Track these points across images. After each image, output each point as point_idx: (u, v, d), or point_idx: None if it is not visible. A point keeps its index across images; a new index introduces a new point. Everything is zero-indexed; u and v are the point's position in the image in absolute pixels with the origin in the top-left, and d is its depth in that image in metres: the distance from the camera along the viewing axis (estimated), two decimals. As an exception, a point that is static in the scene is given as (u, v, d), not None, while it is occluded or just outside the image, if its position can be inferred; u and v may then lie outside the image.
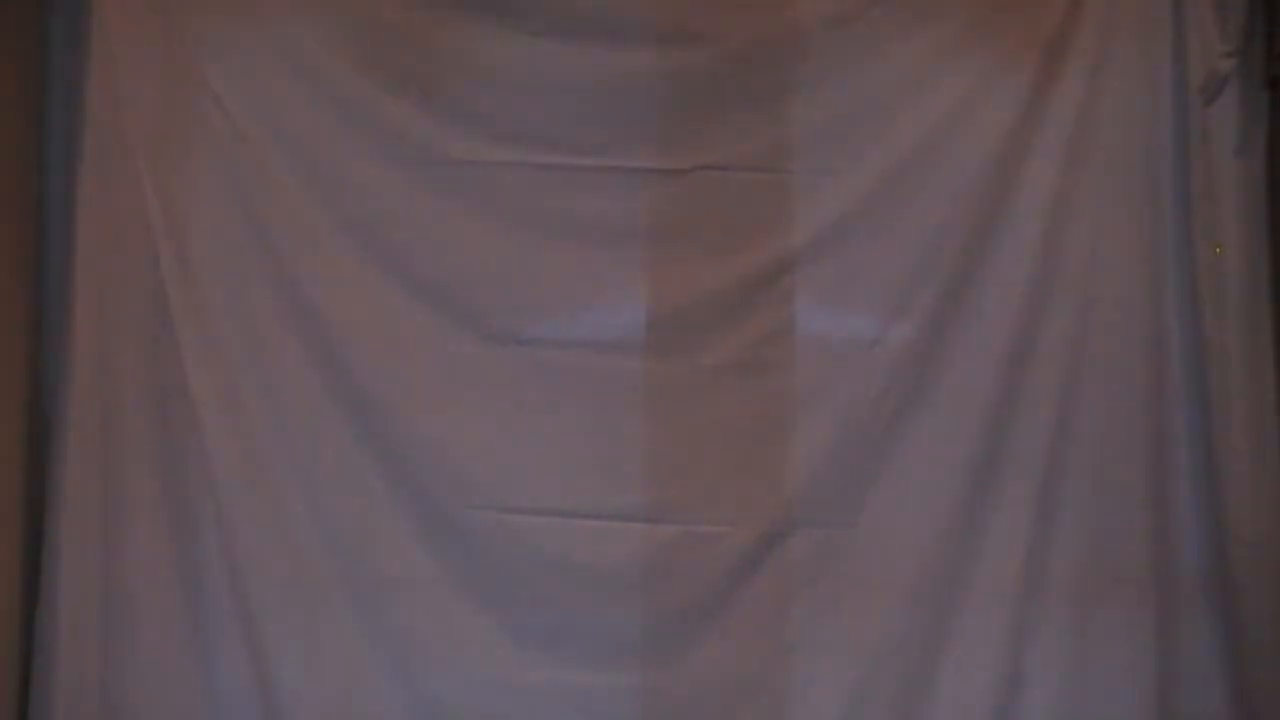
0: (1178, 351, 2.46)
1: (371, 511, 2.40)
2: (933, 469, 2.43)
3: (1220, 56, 2.43)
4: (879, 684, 2.42)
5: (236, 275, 2.39)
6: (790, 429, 2.45)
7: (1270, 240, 2.46)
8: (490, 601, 2.41)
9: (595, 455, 2.42)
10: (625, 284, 2.45)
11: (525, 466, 2.42)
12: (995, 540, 2.44)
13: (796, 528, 2.43)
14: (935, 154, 2.45)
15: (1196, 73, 2.44)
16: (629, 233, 2.44)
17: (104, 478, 2.34)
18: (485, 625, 2.41)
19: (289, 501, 2.38)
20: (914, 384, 2.44)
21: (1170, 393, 2.46)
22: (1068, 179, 2.45)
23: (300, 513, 2.38)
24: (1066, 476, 2.44)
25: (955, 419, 2.44)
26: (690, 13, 2.44)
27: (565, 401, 2.43)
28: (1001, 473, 2.44)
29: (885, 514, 2.44)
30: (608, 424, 2.43)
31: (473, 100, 2.43)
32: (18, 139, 2.37)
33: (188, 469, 2.35)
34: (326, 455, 2.40)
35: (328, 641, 2.38)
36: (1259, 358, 2.45)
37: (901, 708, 2.42)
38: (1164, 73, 2.47)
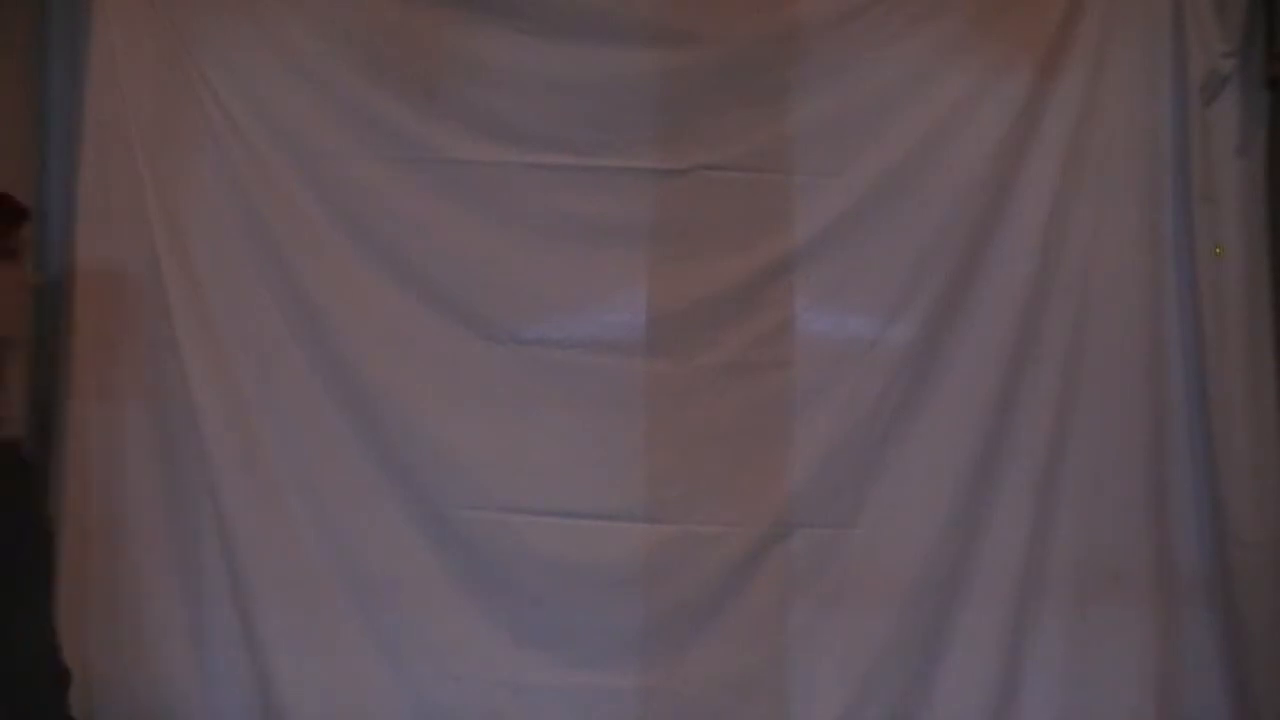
0: (1178, 351, 2.46)
1: (371, 511, 2.40)
2: (932, 469, 2.43)
3: (1220, 56, 2.43)
4: (878, 683, 2.42)
5: (236, 274, 2.40)
6: (790, 429, 2.45)
7: (1270, 240, 2.46)
8: (490, 601, 2.41)
9: (595, 455, 2.42)
10: (626, 284, 2.45)
11: (525, 466, 2.42)
12: (994, 540, 2.44)
13: (796, 528, 2.44)
14: (935, 154, 2.45)
15: (1196, 73, 2.43)
16: (629, 233, 2.44)
17: (104, 478, 2.34)
18: (485, 625, 2.41)
19: (289, 502, 2.38)
20: (914, 384, 2.44)
21: (1170, 393, 2.46)
22: (1068, 179, 2.45)
23: (300, 513, 2.38)
24: (1066, 476, 2.44)
25: (955, 419, 2.44)
26: (690, 13, 2.44)
27: (565, 401, 2.43)
28: (1001, 473, 2.44)
29: (885, 514, 2.44)
30: (608, 424, 2.43)
31: (473, 100, 2.43)
32: (18, 139, 2.37)
33: (188, 469, 2.35)
34: (326, 454, 2.40)
35: (328, 641, 2.38)
36: (1259, 358, 2.44)
37: (901, 707, 2.42)
38: (1164, 73, 2.47)
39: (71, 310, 2.34)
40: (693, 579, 2.42)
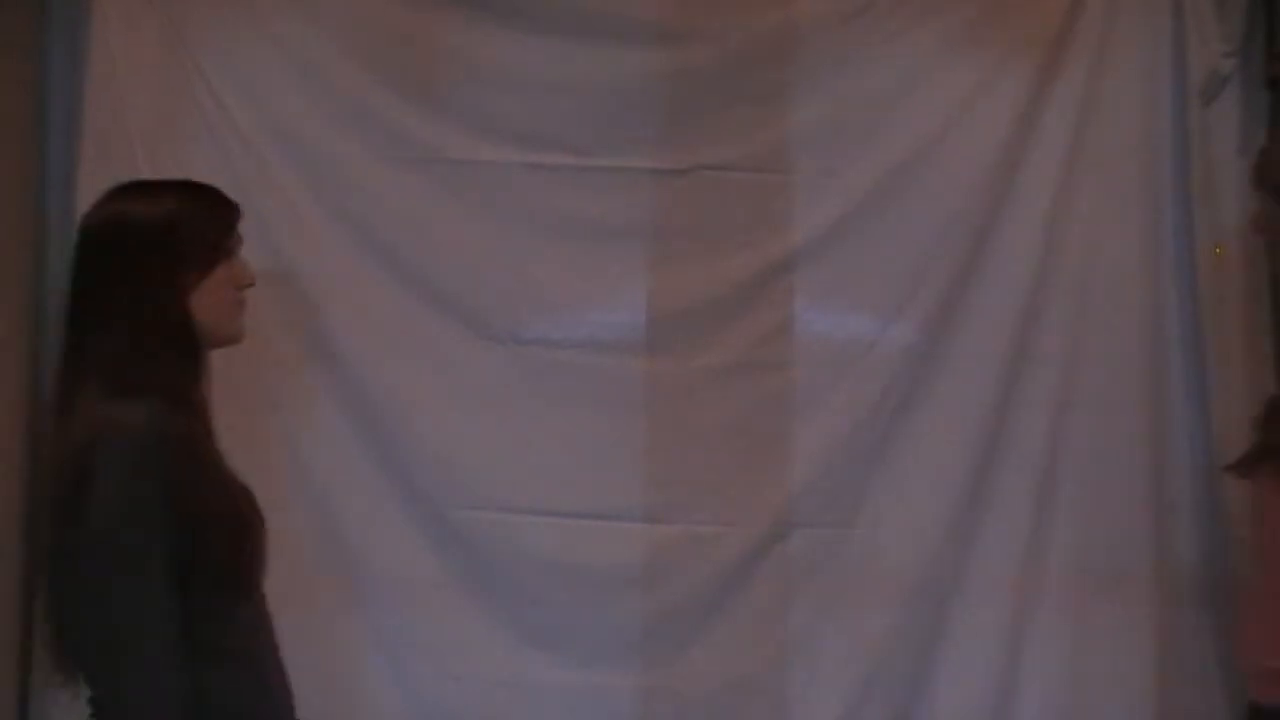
0: (1178, 351, 2.46)
1: (371, 511, 2.40)
2: (932, 469, 2.43)
3: (1220, 56, 2.43)
4: (878, 684, 2.42)
5: (236, 275, 2.39)
6: (790, 429, 2.45)
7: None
8: (490, 601, 2.41)
9: (595, 455, 2.42)
10: (625, 284, 2.45)
11: (525, 466, 2.42)
12: (994, 540, 2.44)
13: (796, 528, 2.44)
14: (935, 154, 2.45)
15: (1196, 73, 2.43)
16: (629, 233, 2.44)
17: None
18: (485, 625, 2.41)
19: (288, 501, 2.38)
20: (914, 384, 2.44)
21: (1170, 393, 2.46)
22: (1067, 179, 2.45)
23: (300, 512, 2.38)
24: (1066, 476, 2.44)
25: (955, 419, 2.43)
26: (690, 13, 2.44)
27: (565, 401, 2.43)
28: (1001, 472, 2.44)
29: (884, 514, 2.44)
30: (608, 424, 2.43)
31: (473, 100, 2.43)
32: (18, 139, 2.37)
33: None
34: (326, 455, 2.40)
35: (327, 641, 2.37)
36: (1259, 358, 2.44)
37: (900, 707, 2.43)
38: (1164, 73, 2.46)
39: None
40: (693, 579, 2.42)
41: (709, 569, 2.42)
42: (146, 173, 2.35)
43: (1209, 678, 2.43)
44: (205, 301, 1.79)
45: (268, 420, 2.39)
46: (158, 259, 1.75)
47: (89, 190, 2.32)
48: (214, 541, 1.70)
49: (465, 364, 2.43)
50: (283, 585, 2.35)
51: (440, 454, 2.41)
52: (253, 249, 2.37)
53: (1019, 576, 2.42)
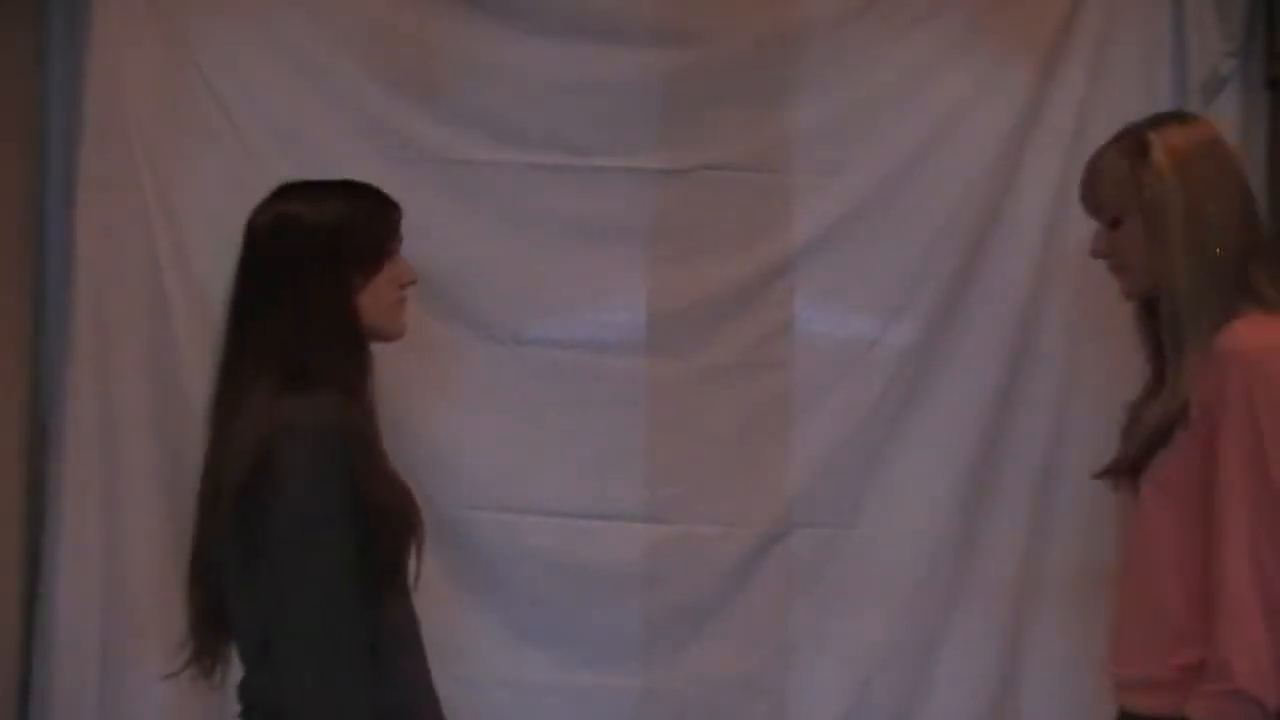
0: (1177, 351, 2.46)
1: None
2: (932, 469, 2.43)
3: (1220, 56, 2.43)
4: (878, 684, 2.42)
5: (237, 275, 2.39)
6: (790, 429, 2.45)
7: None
8: (490, 601, 2.41)
9: (595, 455, 2.42)
10: (626, 284, 2.45)
11: (525, 466, 2.42)
12: (994, 539, 2.44)
13: (796, 528, 2.44)
14: (935, 154, 2.44)
15: (1196, 73, 2.43)
16: (629, 233, 2.44)
17: (104, 478, 2.34)
18: (485, 625, 2.41)
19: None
20: (913, 384, 2.44)
21: (1169, 393, 2.45)
22: (1067, 179, 2.43)
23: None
24: (1065, 476, 2.43)
25: (955, 419, 2.43)
26: (690, 13, 2.44)
27: (566, 401, 2.43)
28: (1000, 472, 2.44)
29: (884, 514, 2.44)
30: (608, 424, 2.43)
31: (473, 100, 2.43)
32: (18, 137, 2.37)
33: (189, 470, 2.34)
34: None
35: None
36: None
37: (900, 707, 2.43)
38: (1164, 73, 2.46)
39: (71, 310, 2.34)
40: (693, 579, 2.42)
41: (709, 569, 2.42)
42: (146, 173, 2.36)
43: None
44: (370, 301, 1.80)
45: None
46: (327, 261, 1.75)
47: (89, 190, 2.34)
48: (382, 538, 1.69)
49: (465, 364, 2.43)
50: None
51: (440, 454, 2.41)
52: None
53: (1019, 576, 2.42)
